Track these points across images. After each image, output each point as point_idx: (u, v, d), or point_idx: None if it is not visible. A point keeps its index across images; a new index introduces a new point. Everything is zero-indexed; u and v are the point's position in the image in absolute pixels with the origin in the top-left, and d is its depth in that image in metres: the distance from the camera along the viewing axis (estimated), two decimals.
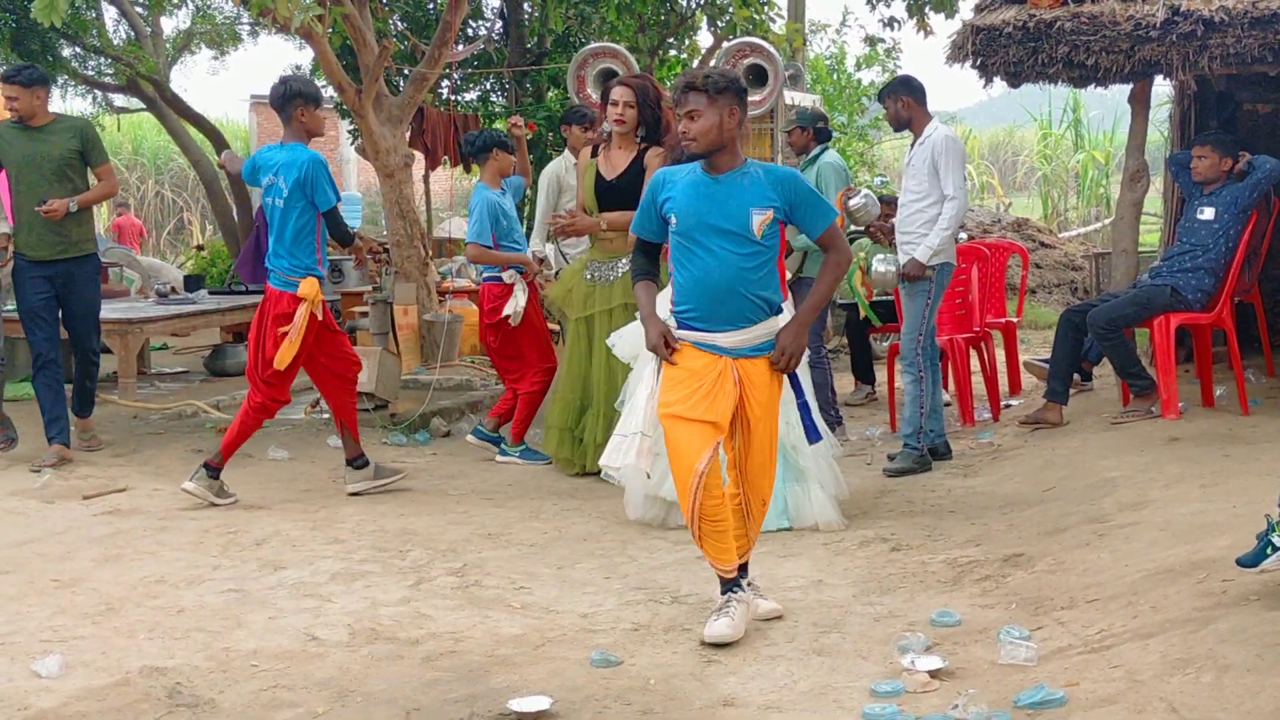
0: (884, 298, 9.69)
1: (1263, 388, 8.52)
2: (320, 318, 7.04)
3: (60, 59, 15.76)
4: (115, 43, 17.80)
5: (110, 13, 18.39)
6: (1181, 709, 3.72)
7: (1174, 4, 7.60)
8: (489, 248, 8.09)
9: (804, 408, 5.20)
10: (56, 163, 7.90)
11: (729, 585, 4.90)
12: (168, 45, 19.84)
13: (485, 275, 8.53)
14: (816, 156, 8.88)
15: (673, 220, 4.82)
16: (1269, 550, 4.46)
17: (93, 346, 8.26)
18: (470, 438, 8.52)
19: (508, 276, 8.20)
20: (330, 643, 4.87)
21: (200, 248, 20.88)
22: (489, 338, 8.40)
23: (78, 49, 17.08)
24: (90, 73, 18.46)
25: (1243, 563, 4.52)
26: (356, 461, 7.35)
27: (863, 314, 9.03)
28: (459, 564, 5.95)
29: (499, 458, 8.35)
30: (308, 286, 6.95)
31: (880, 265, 7.94)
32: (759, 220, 4.75)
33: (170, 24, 21.00)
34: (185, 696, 4.31)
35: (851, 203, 8.23)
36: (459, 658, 4.72)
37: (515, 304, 8.13)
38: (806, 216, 4.83)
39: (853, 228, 8.93)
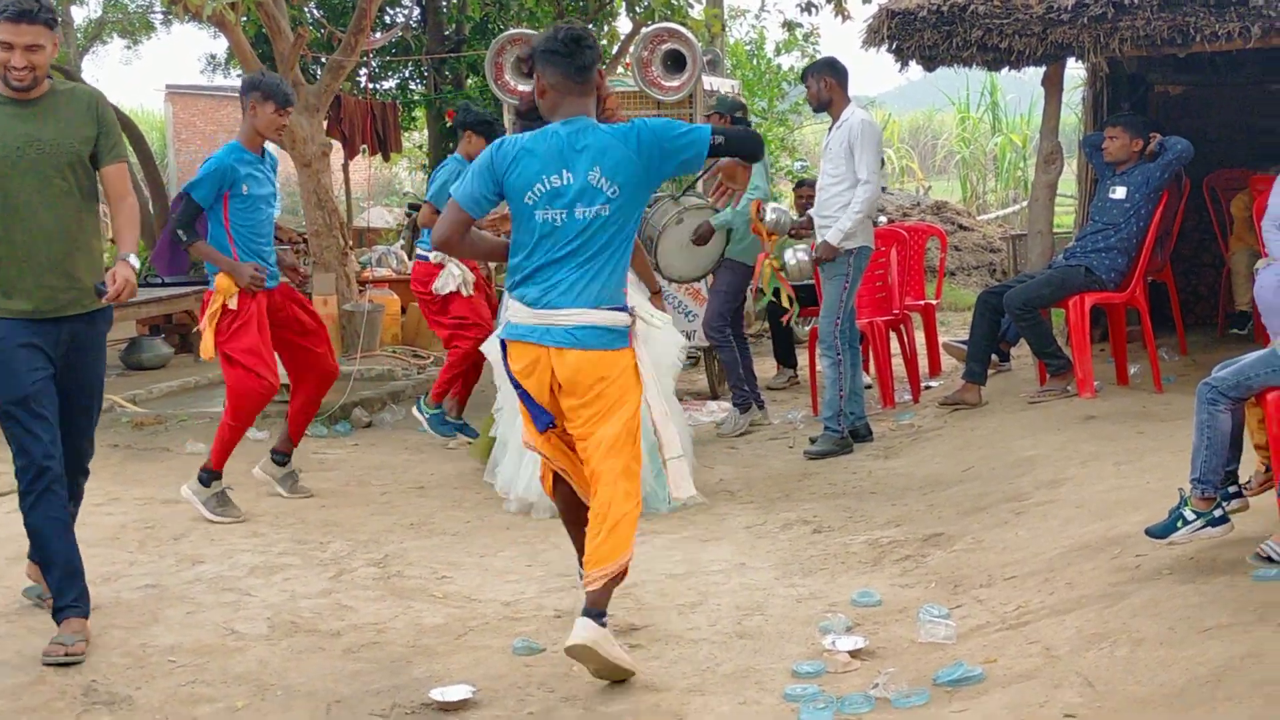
0: (806, 281, 9.74)
1: (1176, 365, 8.65)
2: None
3: None
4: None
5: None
6: (1096, 682, 3.78)
7: None
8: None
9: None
10: (62, 160, 4.74)
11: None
12: (79, 34, 19.53)
13: (416, 254, 8.44)
14: None
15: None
16: (1179, 523, 4.54)
17: (87, 447, 5.07)
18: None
19: (435, 257, 8.02)
20: (250, 636, 4.82)
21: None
22: (432, 313, 8.21)
23: None
24: None
25: (1153, 533, 4.59)
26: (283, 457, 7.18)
27: (785, 302, 9.08)
28: (380, 555, 5.91)
29: (413, 411, 8.38)
30: (221, 280, 6.71)
31: (792, 258, 8.02)
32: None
33: (81, 13, 20.67)
34: (102, 694, 4.26)
35: (766, 220, 8.20)
36: (381, 649, 4.69)
37: (450, 278, 7.99)
38: None
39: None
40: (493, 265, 9.10)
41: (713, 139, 4.44)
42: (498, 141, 4.54)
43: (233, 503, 6.63)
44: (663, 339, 6.60)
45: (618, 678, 4.28)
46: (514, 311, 4.46)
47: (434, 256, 8.07)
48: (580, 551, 4.65)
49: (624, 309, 4.46)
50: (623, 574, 4.34)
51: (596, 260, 4.38)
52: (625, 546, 4.33)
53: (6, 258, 4.70)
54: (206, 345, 6.70)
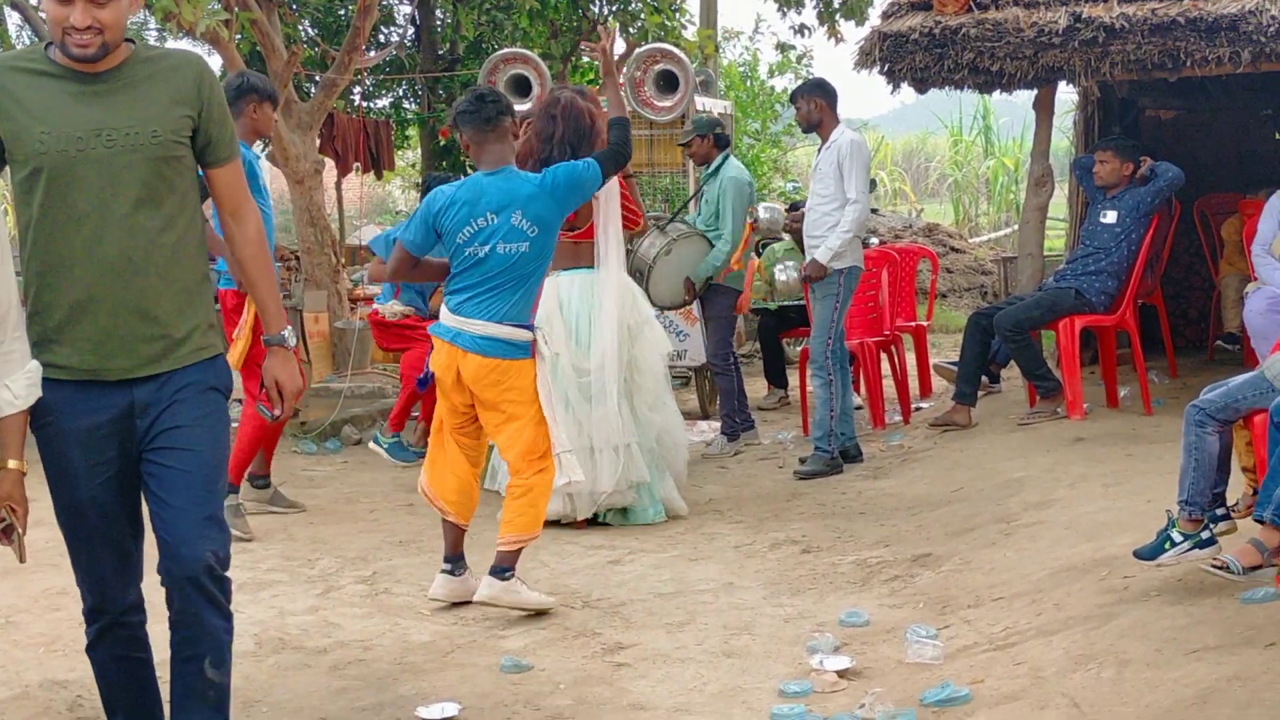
0: (796, 302, 9.75)
1: (1165, 388, 8.66)
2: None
3: None
4: (18, 48, 17.49)
5: (14, 18, 18.06)
6: (1083, 704, 3.78)
7: (1076, 11, 7.71)
8: None
9: None
10: (147, 156, 3.34)
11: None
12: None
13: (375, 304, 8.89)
14: (718, 168, 8.77)
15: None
16: (1167, 545, 4.54)
17: (196, 537, 3.37)
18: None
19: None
20: (237, 652, 4.73)
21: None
22: (385, 343, 8.44)
23: None
24: None
25: (1140, 555, 4.60)
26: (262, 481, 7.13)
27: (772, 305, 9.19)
28: (369, 572, 5.90)
29: (371, 444, 8.45)
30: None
31: (781, 274, 8.06)
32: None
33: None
34: (87, 709, 4.24)
35: (760, 219, 8.24)
36: (367, 666, 4.68)
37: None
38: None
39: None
40: None
41: (603, 170, 5.55)
42: (432, 194, 5.41)
43: (246, 521, 6.52)
44: (649, 340, 6.64)
45: (535, 610, 5.20)
46: (442, 315, 5.37)
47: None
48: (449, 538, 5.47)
49: (527, 327, 5.32)
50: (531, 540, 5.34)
51: (512, 286, 5.27)
52: (540, 520, 5.36)
53: (60, 291, 3.30)
54: (239, 355, 6.48)
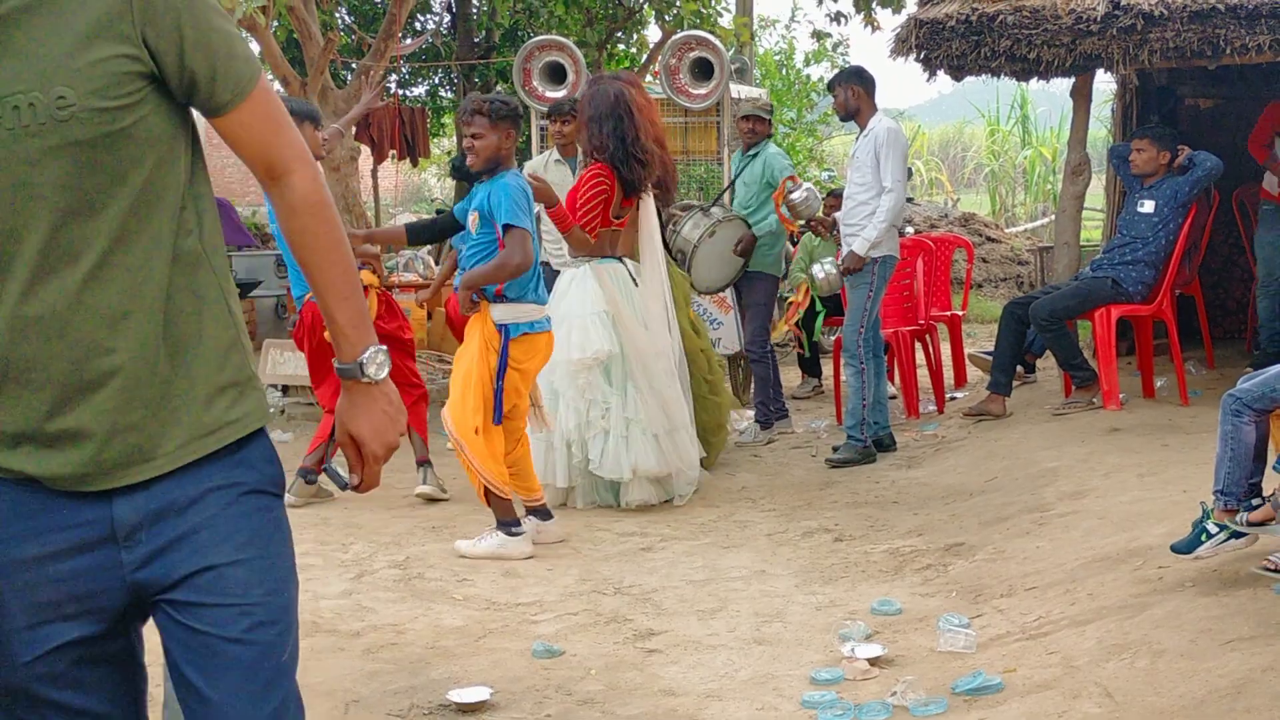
0: (830, 292, 9.75)
1: (1203, 379, 8.60)
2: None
3: None
4: None
5: None
6: (1116, 693, 3.76)
7: None
8: None
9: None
10: (66, 136, 1.90)
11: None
12: None
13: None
14: (758, 151, 8.86)
15: None
16: (1204, 537, 4.51)
17: None
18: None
19: None
20: None
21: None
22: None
23: None
24: None
25: (1177, 549, 4.57)
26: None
27: (785, 326, 9.26)
28: (402, 557, 5.92)
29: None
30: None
31: (820, 271, 8.07)
32: (471, 219, 5.88)
33: None
34: None
35: (793, 196, 8.26)
36: (400, 649, 4.70)
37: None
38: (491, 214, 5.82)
39: (799, 223, 8.97)
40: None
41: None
42: (521, 180, 5.86)
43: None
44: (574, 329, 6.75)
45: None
46: (528, 310, 5.93)
47: None
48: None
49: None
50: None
51: None
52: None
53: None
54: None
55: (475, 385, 5.83)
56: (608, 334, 6.66)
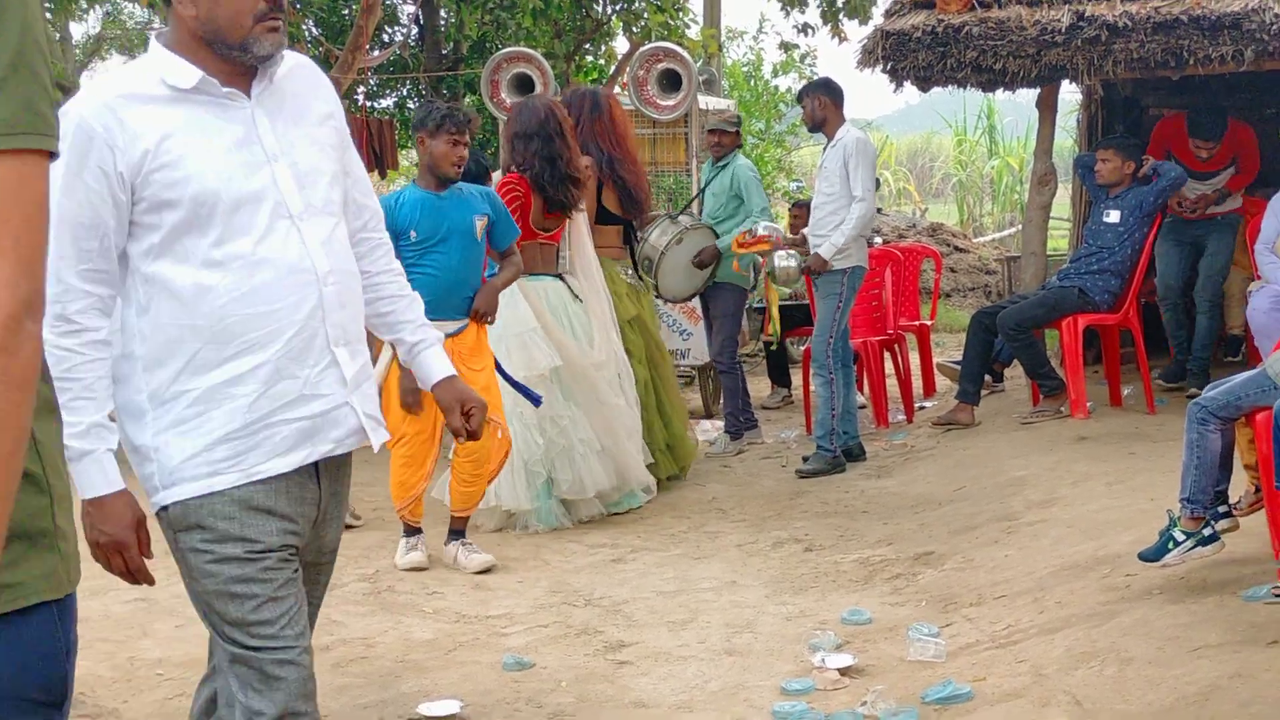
0: (799, 302, 9.76)
1: (1168, 388, 8.64)
2: None
3: None
4: None
5: None
6: (1085, 701, 3.77)
7: (1079, 9, 7.71)
8: None
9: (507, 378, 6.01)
10: None
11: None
12: (77, 51, 19.55)
13: None
14: (728, 162, 8.86)
15: (412, 234, 5.69)
16: (1170, 545, 4.53)
17: None
18: None
19: None
20: None
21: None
22: None
23: None
24: None
25: (1145, 557, 4.59)
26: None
27: (769, 331, 9.17)
28: (371, 570, 5.90)
29: None
30: None
31: (781, 261, 7.95)
32: (480, 224, 5.84)
33: (80, 29, 20.70)
34: (89, 706, 4.24)
35: (776, 267, 8.07)
36: (369, 663, 4.68)
37: None
38: (501, 228, 5.96)
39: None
40: None
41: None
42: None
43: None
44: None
45: None
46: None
47: None
48: None
49: None
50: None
51: None
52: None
53: None
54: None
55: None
56: (548, 348, 6.62)
